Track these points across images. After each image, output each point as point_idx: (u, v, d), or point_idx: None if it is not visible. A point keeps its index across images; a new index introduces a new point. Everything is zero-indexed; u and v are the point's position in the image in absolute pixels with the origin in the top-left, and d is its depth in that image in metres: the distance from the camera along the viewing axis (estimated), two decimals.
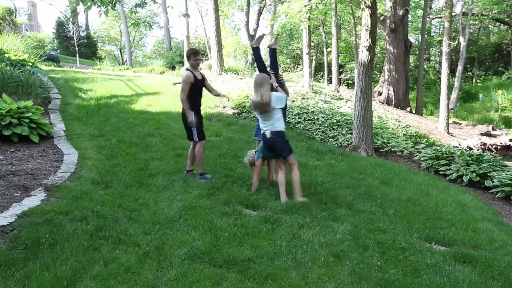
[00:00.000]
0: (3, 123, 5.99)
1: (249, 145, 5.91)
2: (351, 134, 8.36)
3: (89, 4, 5.36)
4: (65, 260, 2.89)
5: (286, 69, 24.80)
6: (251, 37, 26.40)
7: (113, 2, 5.60)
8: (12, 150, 5.77)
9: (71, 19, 28.04)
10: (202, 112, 5.38)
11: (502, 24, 24.70)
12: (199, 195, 4.50)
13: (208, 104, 9.17)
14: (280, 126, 4.56)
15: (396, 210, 4.64)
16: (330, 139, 8.54)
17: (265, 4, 28.11)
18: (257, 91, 4.51)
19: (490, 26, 27.10)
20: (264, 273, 2.92)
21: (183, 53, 21.59)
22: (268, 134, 4.53)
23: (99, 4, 5.43)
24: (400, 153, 8.46)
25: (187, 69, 5.24)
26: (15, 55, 9.88)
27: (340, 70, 21.67)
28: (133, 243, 3.23)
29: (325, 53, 18.80)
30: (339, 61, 18.57)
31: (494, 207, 5.72)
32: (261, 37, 5.39)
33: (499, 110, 16.88)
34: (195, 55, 5.20)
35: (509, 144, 9.16)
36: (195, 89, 5.12)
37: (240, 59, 22.91)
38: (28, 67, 9.30)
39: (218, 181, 5.04)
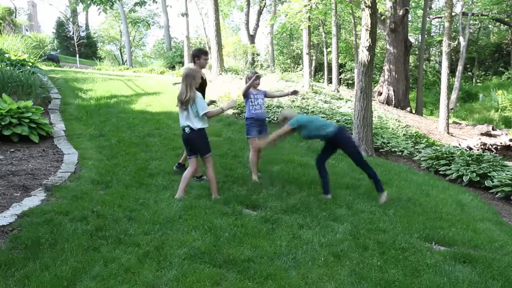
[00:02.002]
0: (3, 123, 5.98)
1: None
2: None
3: (88, 2, 5.37)
4: (65, 260, 2.89)
5: (286, 69, 24.80)
6: (251, 37, 26.45)
7: (112, 1, 5.61)
8: (12, 150, 5.77)
9: (71, 19, 28.06)
10: None
11: (502, 24, 24.72)
12: (199, 195, 4.51)
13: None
14: (200, 124, 4.43)
15: (396, 210, 4.63)
16: None
17: (265, 4, 28.17)
18: (182, 84, 4.42)
19: (490, 26, 27.13)
20: (264, 273, 2.92)
21: (183, 53, 21.60)
22: (187, 130, 4.45)
23: (98, 2, 5.44)
24: (400, 153, 8.46)
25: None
26: (15, 55, 9.89)
27: (340, 70, 21.67)
28: (133, 243, 3.22)
29: (325, 53, 18.82)
30: (339, 61, 18.57)
31: (494, 207, 5.71)
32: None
33: (499, 110, 16.90)
34: (206, 54, 5.12)
35: (509, 144, 9.16)
36: (200, 89, 4.88)
37: (240, 59, 22.92)
38: (28, 67, 9.30)
39: (218, 181, 5.02)
